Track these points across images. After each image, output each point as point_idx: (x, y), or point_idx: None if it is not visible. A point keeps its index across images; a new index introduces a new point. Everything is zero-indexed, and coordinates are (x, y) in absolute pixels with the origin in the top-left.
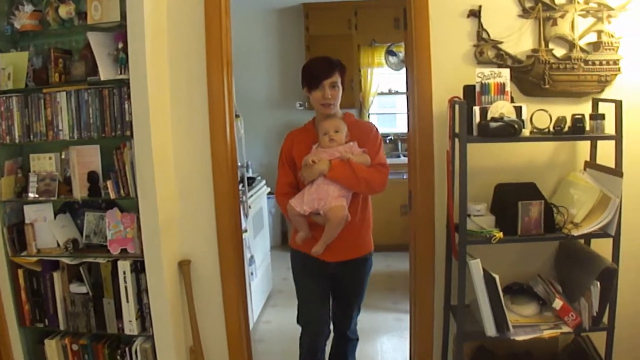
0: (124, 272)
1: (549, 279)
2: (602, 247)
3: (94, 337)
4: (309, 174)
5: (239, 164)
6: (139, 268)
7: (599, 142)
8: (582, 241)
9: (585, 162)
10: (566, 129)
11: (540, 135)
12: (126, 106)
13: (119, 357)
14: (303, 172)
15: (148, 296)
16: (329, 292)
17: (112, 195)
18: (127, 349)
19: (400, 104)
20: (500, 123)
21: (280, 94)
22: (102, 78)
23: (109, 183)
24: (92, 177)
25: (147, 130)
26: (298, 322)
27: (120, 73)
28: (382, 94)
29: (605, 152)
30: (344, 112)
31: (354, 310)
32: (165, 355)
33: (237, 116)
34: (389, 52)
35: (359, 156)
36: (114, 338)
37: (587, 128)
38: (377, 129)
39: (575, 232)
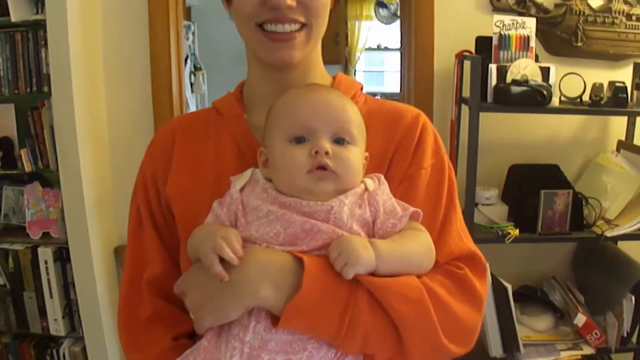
0: (46, 262)
1: (566, 283)
2: (632, 249)
3: (17, 335)
4: (217, 300)
5: None
6: (64, 256)
7: (638, 118)
8: None
9: (619, 141)
10: (605, 99)
11: (572, 106)
12: (43, 55)
13: (48, 359)
14: (191, 294)
15: (75, 291)
16: None
17: (28, 167)
18: (54, 352)
19: (389, 61)
20: (524, 88)
21: None
22: (14, 19)
23: (23, 152)
24: (4, 143)
25: (68, 85)
26: None
27: (37, 13)
28: (370, 49)
29: None
30: (336, 75)
31: None
32: None
33: (198, 69)
34: (379, 4)
35: (402, 237)
36: (42, 337)
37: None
38: (439, 143)
39: (610, 233)
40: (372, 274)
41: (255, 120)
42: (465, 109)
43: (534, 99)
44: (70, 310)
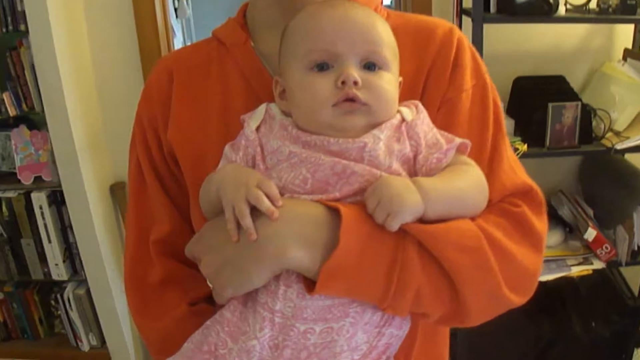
0: (41, 207)
1: (574, 197)
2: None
3: (19, 283)
4: (238, 264)
5: None
6: (59, 199)
7: None
8: None
9: (626, 50)
10: (613, 6)
11: (579, 15)
12: None
13: (53, 303)
14: (207, 259)
15: (74, 233)
16: None
17: (12, 111)
18: (59, 296)
19: None
20: None
21: None
22: None
23: (5, 95)
24: None
25: (45, 20)
26: None
27: None
28: None
29: None
30: None
31: None
32: (103, 302)
33: None
34: None
35: (450, 174)
36: (45, 282)
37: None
38: (479, 60)
39: (620, 145)
40: (420, 220)
41: (264, 47)
42: (467, 21)
43: (541, 8)
44: (71, 254)
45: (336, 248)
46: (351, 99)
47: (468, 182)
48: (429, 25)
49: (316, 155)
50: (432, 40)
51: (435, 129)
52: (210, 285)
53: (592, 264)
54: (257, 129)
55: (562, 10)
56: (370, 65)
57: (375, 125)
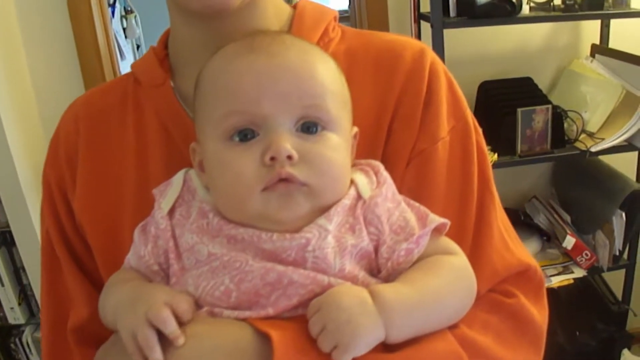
0: None
1: (549, 202)
2: (616, 161)
3: None
4: None
5: None
6: (8, 240)
7: (613, 21)
8: None
9: (593, 45)
10: (579, 1)
11: (544, 13)
12: None
13: (12, 346)
14: None
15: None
16: None
17: None
18: (17, 340)
19: None
20: None
21: None
22: None
23: None
24: None
25: None
26: None
27: None
28: None
29: (620, 33)
30: (297, 2)
31: None
32: None
33: (129, 12)
34: None
35: (424, 273)
36: (2, 326)
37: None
38: (456, 91)
39: (595, 148)
40: (382, 343)
41: (186, 85)
42: (425, 26)
43: (503, 9)
44: (26, 296)
45: None
46: (285, 179)
47: (448, 283)
48: (395, 47)
49: (242, 259)
50: (398, 68)
51: (402, 204)
52: None
53: (572, 272)
54: (172, 211)
55: (526, 10)
56: (309, 126)
57: (322, 209)
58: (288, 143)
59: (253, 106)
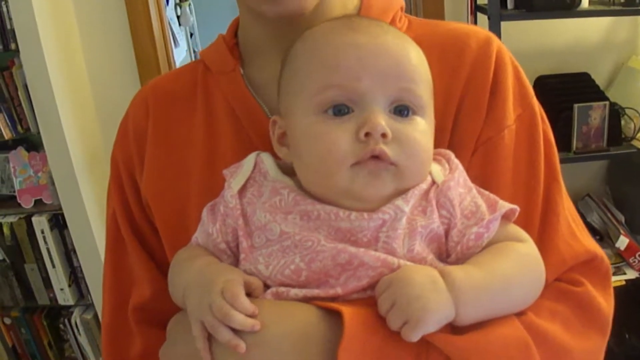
0: (42, 231)
1: (602, 201)
2: None
3: (25, 309)
4: None
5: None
6: (60, 223)
7: None
8: None
9: None
10: None
11: (604, 7)
12: (4, 8)
13: (61, 327)
14: None
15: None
16: None
17: (7, 134)
18: (66, 321)
19: None
20: None
21: None
22: None
23: None
24: None
25: (35, 37)
26: None
27: None
28: None
29: None
30: None
31: None
32: None
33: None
34: None
35: (493, 256)
36: (52, 306)
37: None
38: (523, 80)
39: None
40: (449, 324)
41: (257, 75)
42: (482, 18)
43: (562, 2)
44: (76, 278)
45: None
46: (377, 157)
47: (517, 269)
48: (460, 36)
49: (314, 239)
50: (464, 57)
51: (474, 190)
52: None
53: (624, 273)
54: (242, 189)
55: (585, 4)
56: (401, 109)
57: (401, 192)
58: (383, 121)
59: (353, 81)
